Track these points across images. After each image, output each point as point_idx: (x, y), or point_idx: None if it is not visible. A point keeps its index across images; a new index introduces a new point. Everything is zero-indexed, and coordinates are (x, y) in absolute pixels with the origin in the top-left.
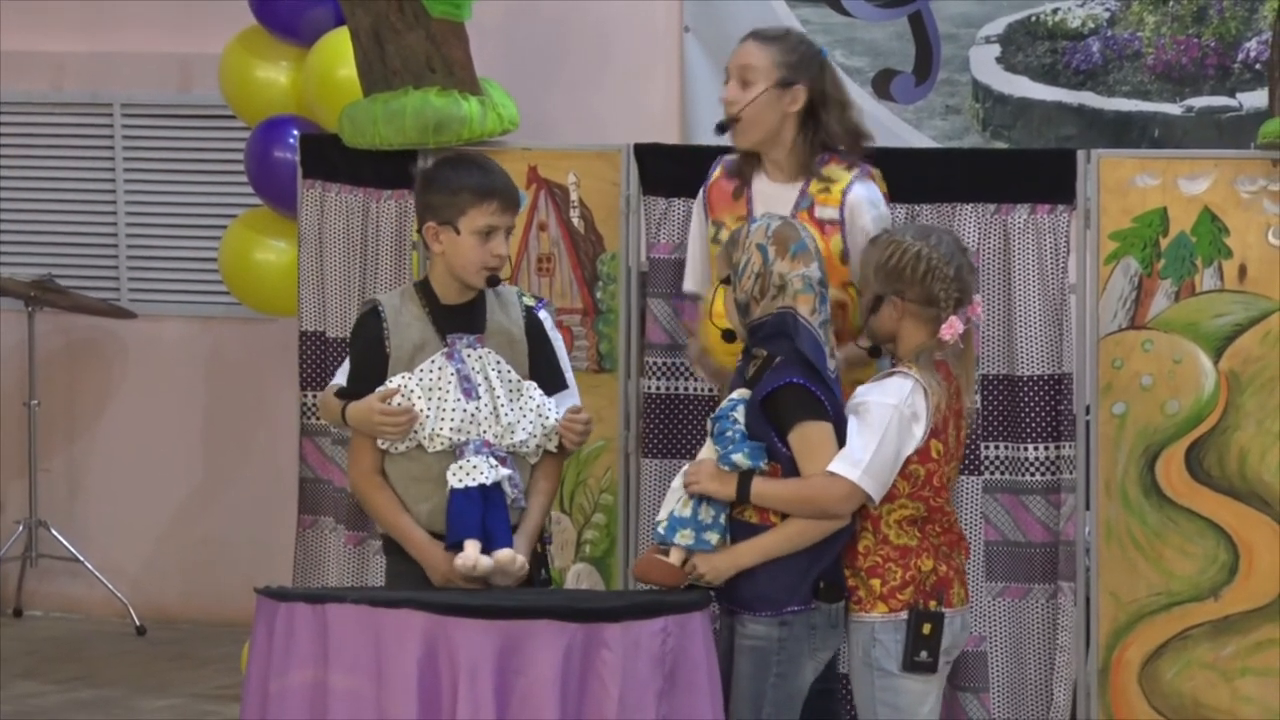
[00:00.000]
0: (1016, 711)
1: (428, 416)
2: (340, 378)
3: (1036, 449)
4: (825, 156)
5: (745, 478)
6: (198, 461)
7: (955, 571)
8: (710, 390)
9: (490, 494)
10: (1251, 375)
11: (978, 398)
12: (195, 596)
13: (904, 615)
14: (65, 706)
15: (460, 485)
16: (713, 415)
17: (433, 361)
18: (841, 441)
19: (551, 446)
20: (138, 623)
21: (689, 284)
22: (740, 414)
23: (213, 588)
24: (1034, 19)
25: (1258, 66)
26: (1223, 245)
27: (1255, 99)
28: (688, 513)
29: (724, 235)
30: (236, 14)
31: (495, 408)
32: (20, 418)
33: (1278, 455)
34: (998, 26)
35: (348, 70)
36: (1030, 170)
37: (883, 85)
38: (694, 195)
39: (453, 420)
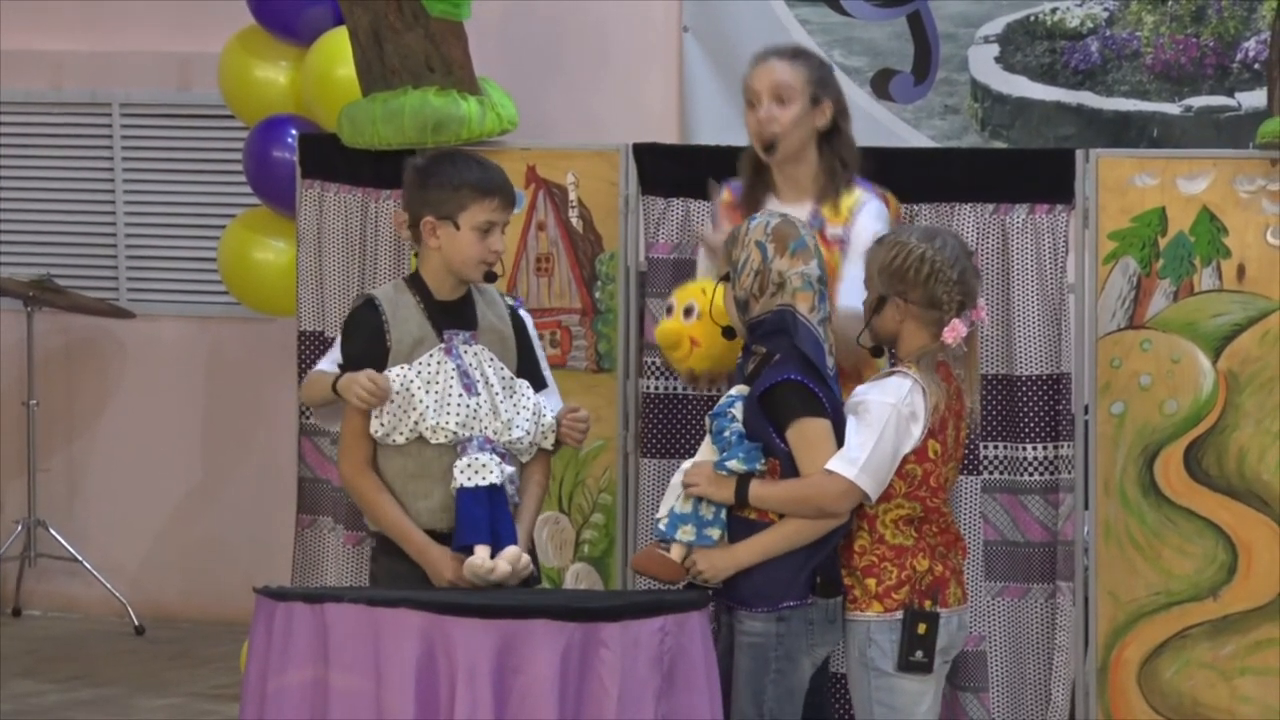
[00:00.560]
0: (1016, 711)
1: (428, 409)
2: (324, 363)
3: (1035, 449)
4: (846, 177)
5: (743, 481)
6: (196, 461)
7: (952, 571)
8: (711, 391)
9: (495, 494)
10: (1250, 375)
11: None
12: (194, 596)
13: (899, 615)
14: (64, 706)
15: (470, 484)
16: (710, 413)
17: (431, 356)
18: (840, 439)
19: (548, 445)
20: (136, 622)
21: None
22: (738, 411)
23: (211, 587)
24: (1033, 19)
25: (1256, 66)
26: (1221, 245)
27: (1254, 99)
28: (689, 509)
29: None
30: (235, 13)
31: (494, 404)
32: (19, 417)
33: (1276, 455)
34: (996, 26)
35: (346, 70)
36: (1029, 170)
37: (881, 85)
38: (693, 195)
39: (457, 415)
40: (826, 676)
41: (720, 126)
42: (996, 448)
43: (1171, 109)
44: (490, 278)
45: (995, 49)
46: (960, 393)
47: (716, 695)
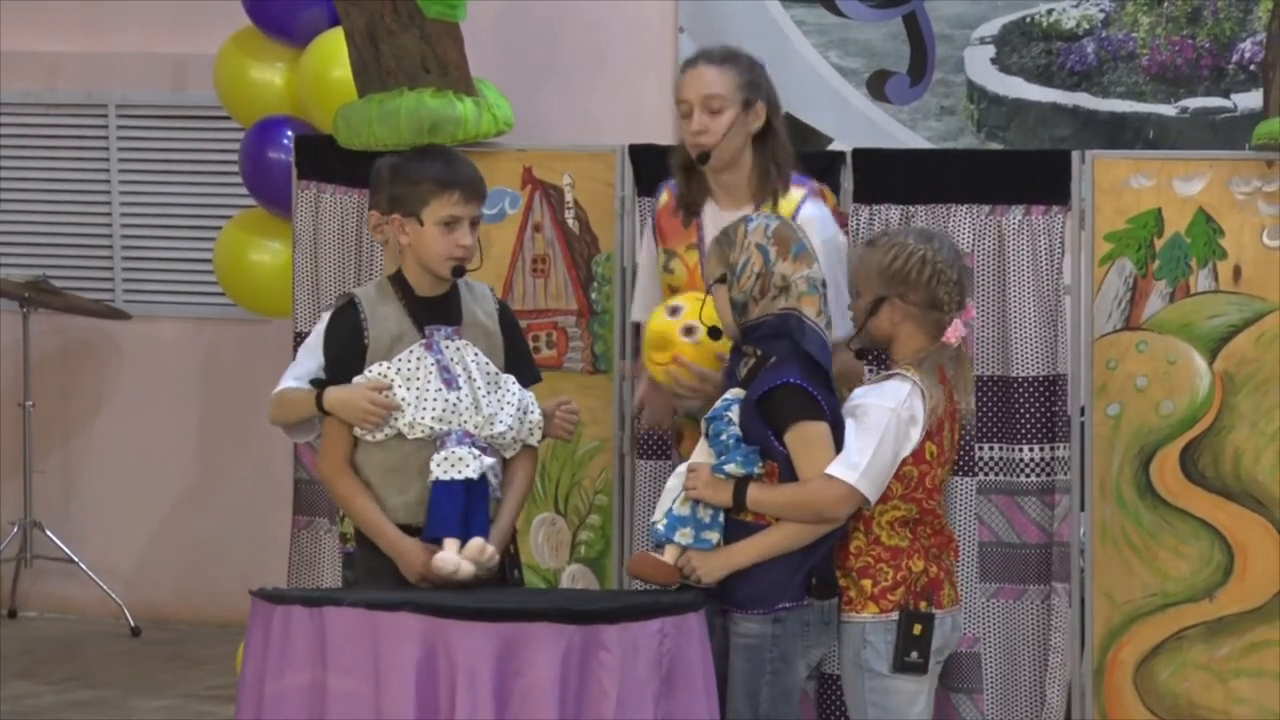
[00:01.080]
0: (1010, 713)
1: (408, 405)
2: (288, 380)
3: (1031, 450)
4: (782, 178)
5: (741, 484)
6: (192, 462)
7: (945, 573)
8: (645, 428)
9: (472, 488)
10: (1246, 376)
11: (973, 399)
12: (190, 597)
13: (894, 616)
14: (60, 707)
15: (446, 477)
16: (706, 415)
17: (411, 351)
18: (839, 444)
19: (533, 441)
20: (132, 623)
21: (637, 314)
22: (734, 414)
23: (207, 588)
24: (1029, 20)
25: (1252, 67)
26: (1217, 246)
27: (1250, 100)
28: (686, 511)
29: (675, 265)
30: (231, 15)
31: (475, 398)
32: (15, 419)
33: (1272, 456)
34: (992, 27)
35: (342, 71)
36: (1025, 171)
37: (877, 86)
38: None
39: (434, 410)
40: (817, 678)
41: None
42: (992, 449)
43: (1167, 110)
44: (458, 272)
45: (991, 50)
46: (953, 394)
47: (714, 696)
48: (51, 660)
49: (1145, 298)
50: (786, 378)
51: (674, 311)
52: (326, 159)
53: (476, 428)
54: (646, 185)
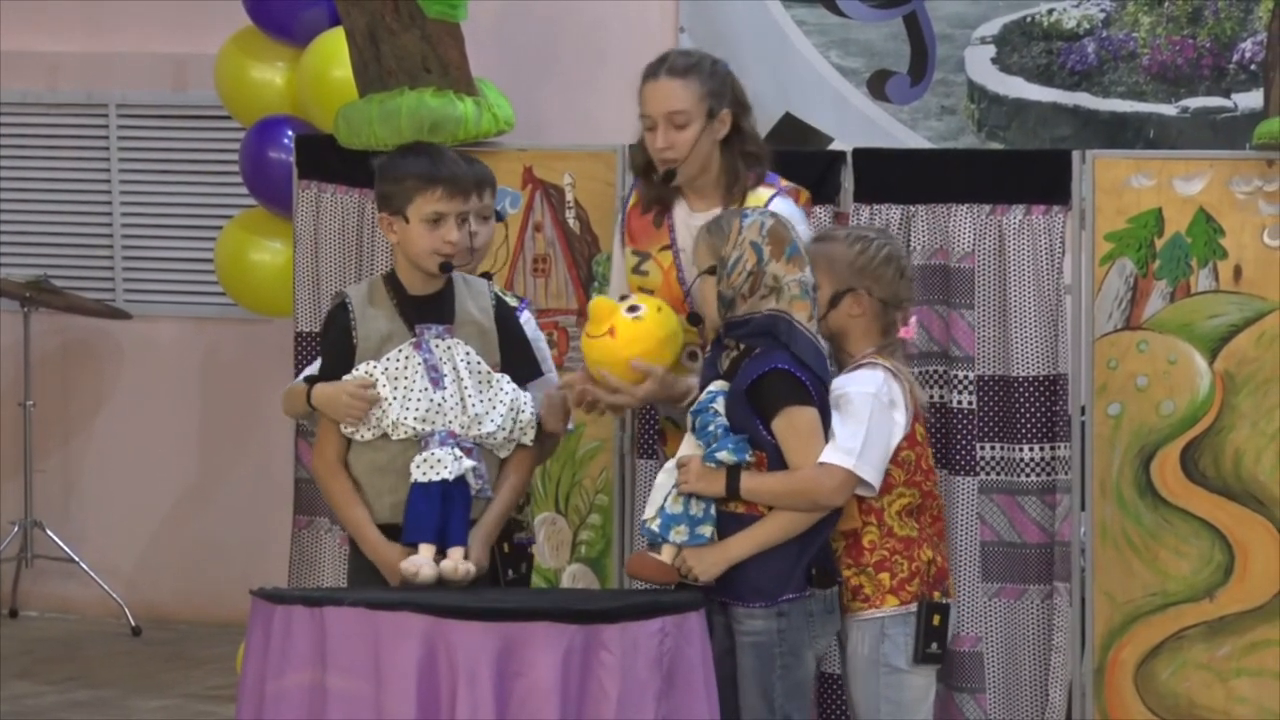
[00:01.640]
0: (1012, 712)
1: (392, 404)
2: (303, 374)
3: (1032, 450)
4: (751, 177)
5: (733, 473)
6: (193, 462)
7: (946, 561)
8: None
9: (451, 490)
10: (1247, 376)
11: (973, 397)
12: (190, 597)
13: (913, 607)
14: (60, 707)
15: (424, 479)
16: (692, 409)
17: (400, 351)
18: (827, 435)
19: (526, 440)
20: (133, 623)
21: None
22: (720, 405)
23: (208, 588)
24: (1029, 19)
25: (1253, 67)
26: (1218, 246)
27: (1250, 100)
28: (679, 509)
29: (649, 266)
30: (231, 14)
31: (462, 398)
32: (15, 418)
33: (1273, 456)
34: (993, 27)
35: (343, 71)
36: (1025, 171)
37: (878, 86)
38: None
39: (417, 410)
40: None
41: None
42: (993, 449)
43: (1168, 110)
44: (446, 268)
45: (992, 50)
46: (914, 388)
47: (714, 697)
48: (52, 660)
49: (1146, 297)
50: (775, 364)
51: (622, 298)
52: (327, 159)
53: (462, 428)
54: None
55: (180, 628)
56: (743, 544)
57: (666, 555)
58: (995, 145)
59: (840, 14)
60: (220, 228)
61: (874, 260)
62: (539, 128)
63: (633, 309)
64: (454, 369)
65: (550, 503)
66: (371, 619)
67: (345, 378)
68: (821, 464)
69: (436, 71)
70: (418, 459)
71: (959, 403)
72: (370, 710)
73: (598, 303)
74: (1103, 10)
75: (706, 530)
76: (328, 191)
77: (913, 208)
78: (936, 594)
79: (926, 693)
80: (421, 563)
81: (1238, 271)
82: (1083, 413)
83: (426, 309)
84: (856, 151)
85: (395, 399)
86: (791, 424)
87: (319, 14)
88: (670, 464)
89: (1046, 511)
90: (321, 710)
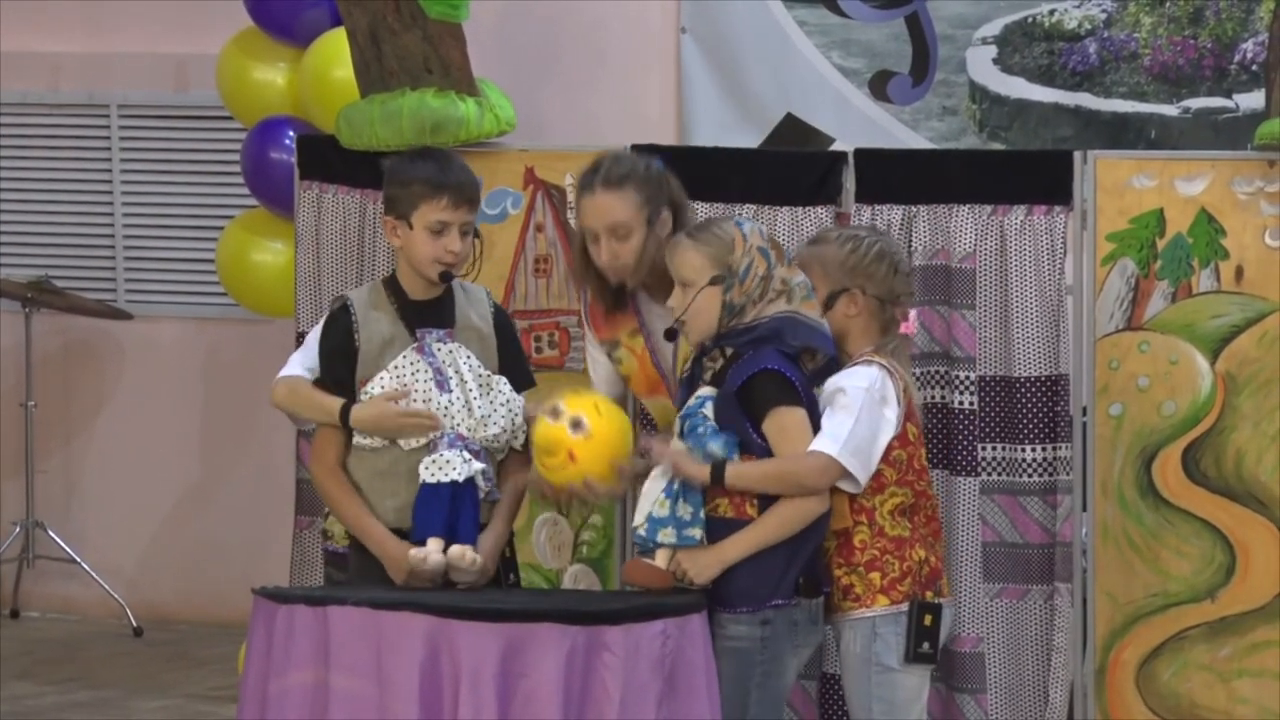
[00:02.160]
0: (1013, 712)
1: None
2: (296, 368)
3: (1033, 450)
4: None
5: (719, 464)
6: (194, 462)
7: (940, 561)
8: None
9: (460, 491)
10: (1248, 376)
11: (974, 398)
12: (192, 597)
13: (904, 607)
14: (62, 707)
15: (433, 480)
16: (680, 413)
17: (404, 356)
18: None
19: (517, 445)
20: (134, 623)
21: (603, 387)
22: (709, 410)
23: (209, 588)
24: (1031, 20)
25: (1254, 68)
26: (1219, 246)
27: (1252, 100)
28: (665, 512)
29: (622, 354)
30: (233, 15)
31: (468, 401)
32: (17, 419)
33: (1274, 456)
34: (994, 28)
35: (344, 71)
36: (1027, 171)
37: (879, 86)
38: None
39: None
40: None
41: (718, 128)
42: (995, 449)
43: (1169, 110)
44: (446, 277)
45: (993, 50)
46: (909, 388)
47: (715, 697)
48: (53, 660)
49: (1147, 298)
50: (764, 364)
51: (555, 414)
52: (329, 159)
53: (470, 430)
54: None
55: (181, 628)
56: (738, 545)
57: (661, 560)
58: (997, 146)
59: (842, 14)
60: (222, 228)
61: (865, 258)
62: (540, 128)
63: (576, 425)
64: (457, 372)
65: (552, 503)
66: (375, 619)
67: (370, 393)
68: (808, 451)
69: (438, 72)
70: (426, 460)
71: (960, 403)
72: (373, 710)
73: (541, 433)
74: (1104, 11)
75: (695, 533)
76: (329, 192)
77: (914, 208)
78: (929, 594)
79: (919, 692)
80: (429, 550)
81: (1239, 272)
82: (1084, 413)
83: (427, 314)
84: (858, 152)
85: (403, 405)
86: (781, 425)
87: (320, 14)
88: (657, 471)
89: (1048, 512)
90: (324, 710)
